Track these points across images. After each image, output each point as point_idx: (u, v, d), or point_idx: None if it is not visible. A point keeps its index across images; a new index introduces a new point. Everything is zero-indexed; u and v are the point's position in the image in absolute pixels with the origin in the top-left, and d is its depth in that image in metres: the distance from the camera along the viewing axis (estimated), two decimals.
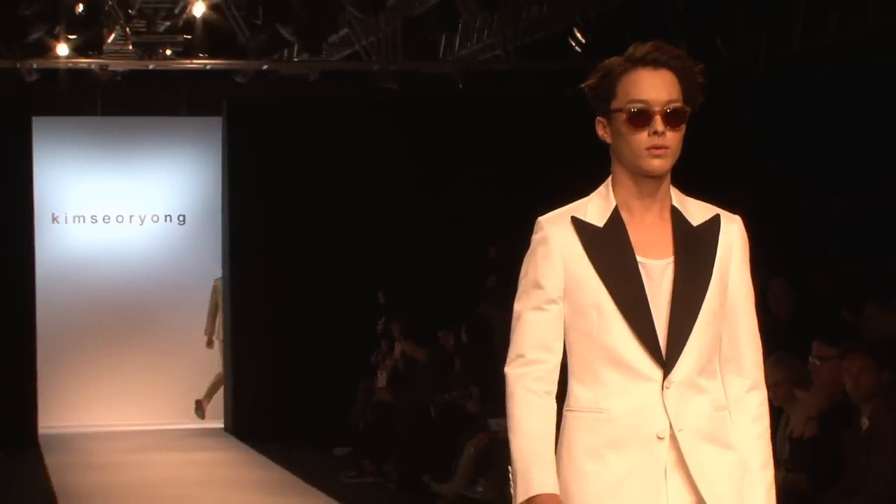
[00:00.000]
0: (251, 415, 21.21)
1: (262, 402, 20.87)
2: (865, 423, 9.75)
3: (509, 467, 4.90)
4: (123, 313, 21.90)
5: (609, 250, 4.88)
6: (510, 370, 4.94)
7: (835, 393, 10.25)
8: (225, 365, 21.94)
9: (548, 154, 19.94)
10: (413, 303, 19.03)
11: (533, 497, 4.78)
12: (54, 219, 21.56)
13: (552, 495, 4.79)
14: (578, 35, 19.02)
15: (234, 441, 21.01)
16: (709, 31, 16.49)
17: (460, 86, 20.41)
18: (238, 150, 21.42)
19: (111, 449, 20.14)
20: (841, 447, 10.02)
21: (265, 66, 20.01)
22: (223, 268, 21.88)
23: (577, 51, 19.62)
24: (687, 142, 5.03)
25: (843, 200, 16.92)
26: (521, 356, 4.92)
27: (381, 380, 18.80)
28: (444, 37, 20.90)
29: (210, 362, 22.20)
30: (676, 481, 4.83)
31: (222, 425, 22.01)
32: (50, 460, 18.86)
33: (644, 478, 4.82)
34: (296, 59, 20.56)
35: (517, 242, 17.02)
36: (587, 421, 4.86)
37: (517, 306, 5.02)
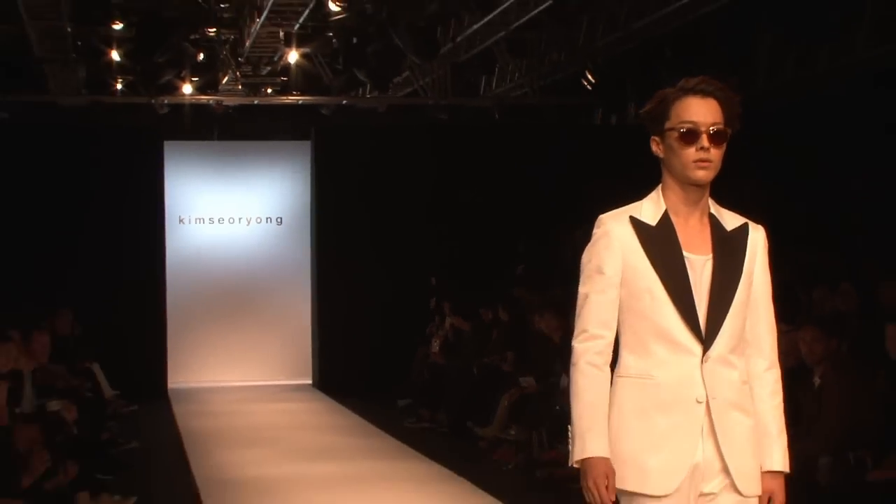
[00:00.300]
0: (333, 373, 21.43)
1: (342, 363, 21.02)
2: (817, 381, 9.82)
3: (569, 427, 4.87)
4: (233, 293, 22.12)
5: (660, 245, 4.86)
6: (577, 344, 4.91)
7: (791, 358, 10.26)
8: (312, 335, 22.10)
9: (564, 169, 19.81)
10: (459, 286, 19.12)
11: (588, 458, 4.76)
12: (181, 220, 21.75)
13: (604, 458, 4.76)
14: (589, 76, 18.85)
15: (319, 394, 21.20)
16: (691, 74, 16.35)
17: (496, 116, 20.53)
18: (323, 167, 21.48)
19: (223, 400, 20.47)
20: (797, 401, 10.05)
21: (344, 101, 20.24)
22: (311, 259, 22.14)
23: (587, 89, 19.30)
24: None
25: (800, 204, 16.87)
26: (585, 331, 4.88)
27: (435, 346, 18.89)
28: (483, 78, 20.96)
29: (298, 332, 22.47)
30: (710, 443, 4.79)
31: (310, 381, 22.16)
32: (177, 409, 19.22)
33: (684, 435, 4.79)
34: (368, 96, 20.73)
35: (540, 238, 16.90)
36: (637, 385, 4.84)
37: (583, 289, 4.96)
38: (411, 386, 18.91)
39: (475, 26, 16.96)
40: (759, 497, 4.94)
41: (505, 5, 14.33)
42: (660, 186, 4.98)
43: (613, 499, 4.83)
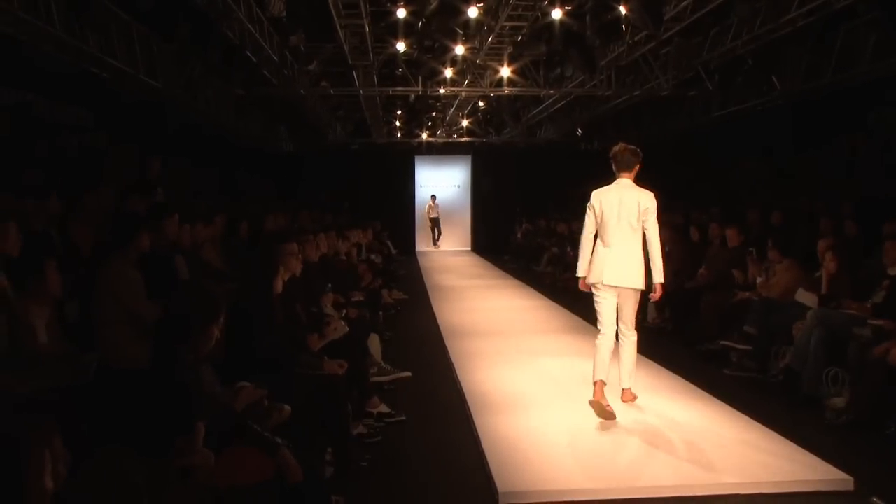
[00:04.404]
0: (478, 245, 21.13)
1: (482, 241, 20.91)
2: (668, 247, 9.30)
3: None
4: (441, 214, 21.81)
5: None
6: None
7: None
8: (470, 230, 21.79)
9: (592, 169, 19.14)
10: (530, 211, 18.96)
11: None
12: (420, 185, 21.56)
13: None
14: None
15: (473, 254, 20.72)
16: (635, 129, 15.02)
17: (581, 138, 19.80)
18: (477, 164, 21.31)
19: (437, 255, 20.13)
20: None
21: (484, 139, 19.78)
22: (470, 201, 21.66)
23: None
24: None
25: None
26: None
27: (518, 235, 18.86)
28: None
29: (465, 229, 21.82)
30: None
31: (469, 248, 21.62)
32: (419, 259, 18.88)
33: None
34: (484, 140, 19.45)
35: (560, 203, 15.46)
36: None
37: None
38: (508, 250, 18.71)
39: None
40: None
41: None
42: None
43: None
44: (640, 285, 5.21)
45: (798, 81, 9.51)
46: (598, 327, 5.30)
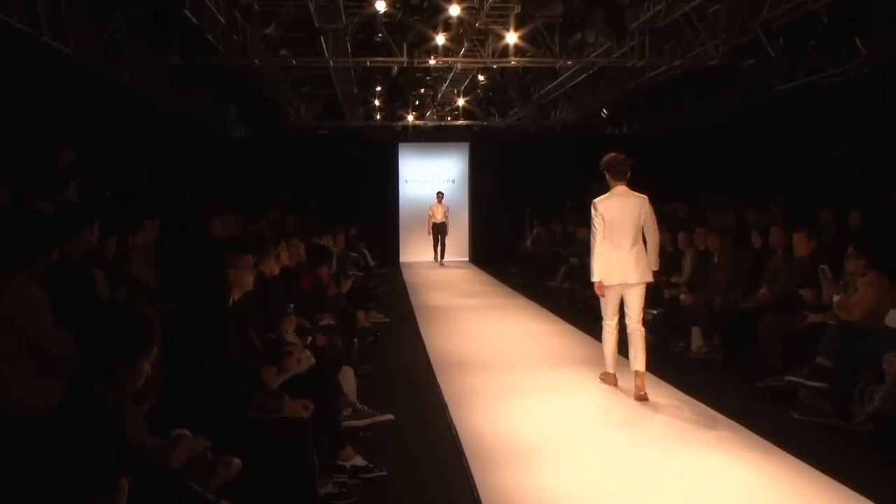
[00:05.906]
0: (477, 255, 21.18)
1: (482, 250, 20.95)
2: (716, 258, 9.54)
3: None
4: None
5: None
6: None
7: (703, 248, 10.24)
8: (468, 236, 21.79)
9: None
10: (541, 212, 19.00)
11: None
12: (406, 181, 21.55)
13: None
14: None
15: (472, 265, 20.87)
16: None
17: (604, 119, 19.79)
18: (476, 154, 21.35)
19: (426, 267, 20.29)
20: (707, 268, 9.86)
21: (484, 123, 19.90)
22: (468, 199, 21.74)
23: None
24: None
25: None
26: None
27: (528, 242, 18.90)
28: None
29: (462, 235, 21.85)
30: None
31: (468, 259, 21.72)
32: (404, 272, 18.98)
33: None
34: (485, 123, 19.78)
35: (581, 201, 15.77)
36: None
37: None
38: (516, 261, 18.68)
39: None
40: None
41: None
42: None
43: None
44: (651, 278, 7.16)
45: (890, 45, 9.30)
46: (605, 320, 7.24)
